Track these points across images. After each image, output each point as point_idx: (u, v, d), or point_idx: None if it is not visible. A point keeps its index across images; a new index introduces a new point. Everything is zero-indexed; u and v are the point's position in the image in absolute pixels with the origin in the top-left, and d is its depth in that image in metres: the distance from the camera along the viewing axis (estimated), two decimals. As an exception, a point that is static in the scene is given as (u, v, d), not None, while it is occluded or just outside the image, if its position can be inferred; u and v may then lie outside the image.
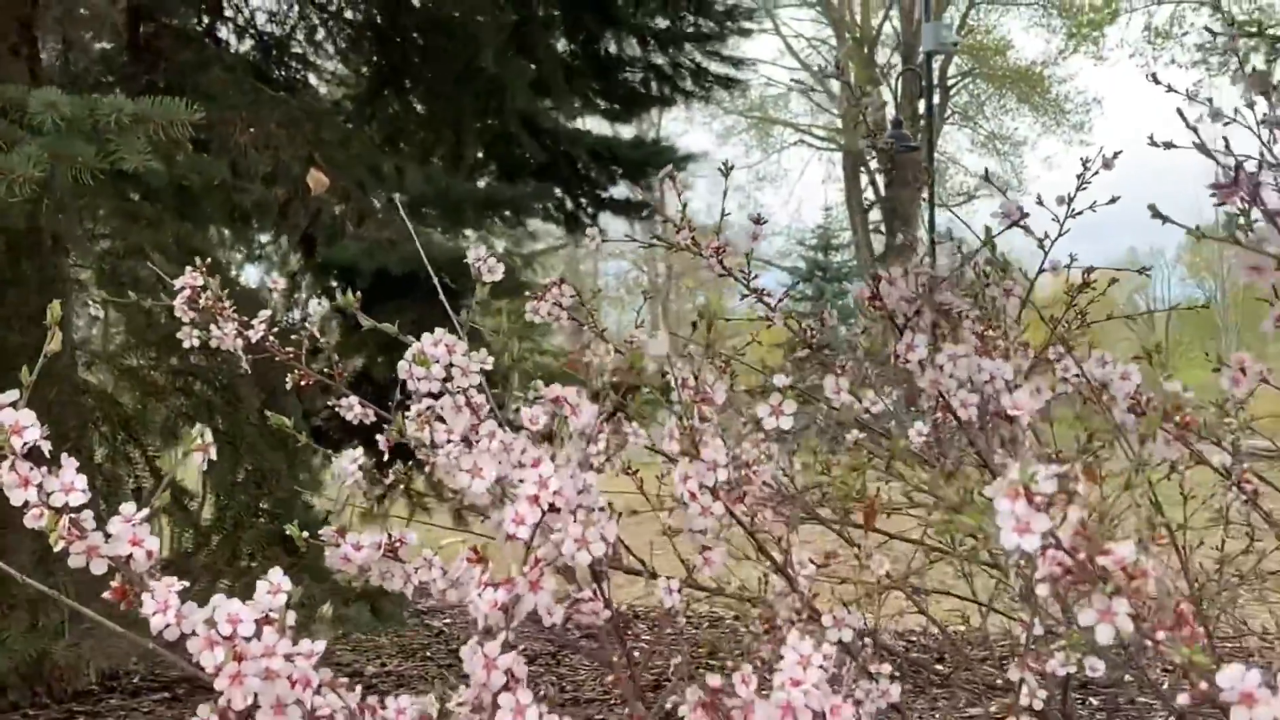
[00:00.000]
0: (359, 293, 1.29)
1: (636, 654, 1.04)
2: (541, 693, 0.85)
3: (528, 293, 1.56)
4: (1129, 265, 1.85)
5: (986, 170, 1.80)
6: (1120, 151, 1.54)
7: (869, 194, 20.46)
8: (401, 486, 1.29)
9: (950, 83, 21.38)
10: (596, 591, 0.99)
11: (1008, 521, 0.66)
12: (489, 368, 1.14)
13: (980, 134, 22.24)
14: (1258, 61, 1.08)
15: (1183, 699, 0.73)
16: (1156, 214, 1.04)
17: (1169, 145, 1.15)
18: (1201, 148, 0.96)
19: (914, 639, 3.45)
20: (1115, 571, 0.68)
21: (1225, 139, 1.01)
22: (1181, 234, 0.96)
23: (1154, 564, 0.70)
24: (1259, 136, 1.06)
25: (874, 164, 19.15)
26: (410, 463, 1.30)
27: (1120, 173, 1.46)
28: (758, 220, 1.34)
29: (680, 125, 21.49)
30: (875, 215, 20.22)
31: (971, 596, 1.85)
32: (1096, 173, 1.74)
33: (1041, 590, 0.70)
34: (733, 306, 1.95)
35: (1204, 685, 0.71)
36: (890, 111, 18.39)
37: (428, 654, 4.21)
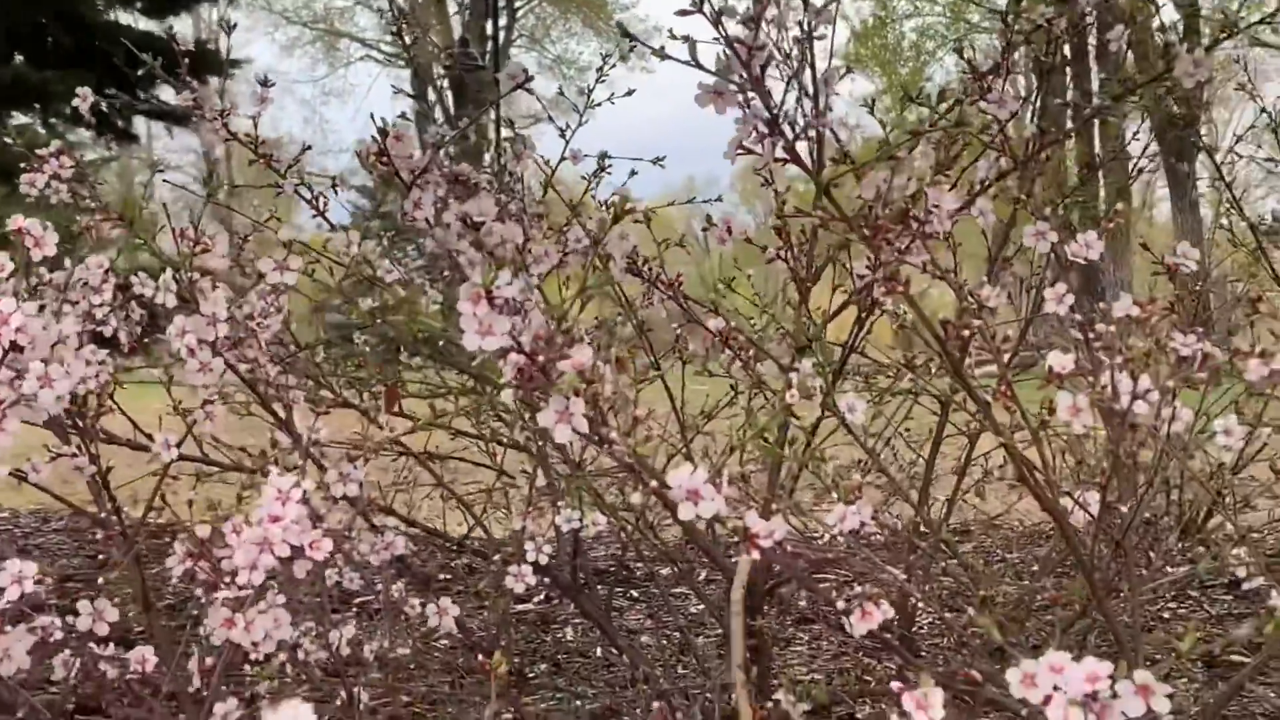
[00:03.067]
0: None
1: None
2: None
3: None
4: (688, 192, 1.93)
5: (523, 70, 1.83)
6: (635, 45, 1.62)
7: (438, 112, 20.29)
8: None
9: (517, 5, 21.48)
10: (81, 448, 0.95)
11: (470, 324, 0.69)
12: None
13: (547, 57, 22.51)
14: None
15: (635, 498, 0.80)
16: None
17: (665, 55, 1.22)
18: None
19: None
20: (572, 375, 0.72)
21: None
22: (735, 164, 1.00)
23: (610, 370, 0.75)
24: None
25: (443, 83, 18.95)
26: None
27: (681, 103, 1.53)
28: (264, 83, 1.30)
29: (242, 35, 20.28)
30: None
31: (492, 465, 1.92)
32: (614, 65, 1.83)
33: (507, 396, 0.74)
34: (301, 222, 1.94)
35: (654, 483, 0.77)
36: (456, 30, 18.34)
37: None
